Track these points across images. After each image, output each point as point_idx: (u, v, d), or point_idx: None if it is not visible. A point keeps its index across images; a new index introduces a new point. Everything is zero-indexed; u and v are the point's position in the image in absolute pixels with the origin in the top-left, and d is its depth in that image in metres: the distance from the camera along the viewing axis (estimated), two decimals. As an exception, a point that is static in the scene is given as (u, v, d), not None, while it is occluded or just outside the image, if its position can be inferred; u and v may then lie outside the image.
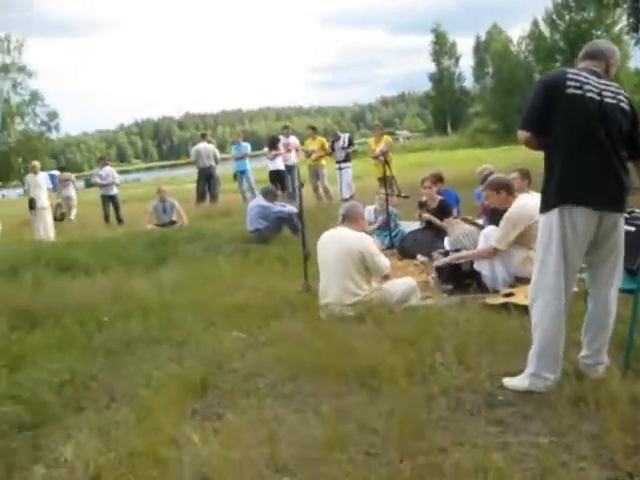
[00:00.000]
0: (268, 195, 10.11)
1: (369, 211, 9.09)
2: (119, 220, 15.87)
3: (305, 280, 6.31)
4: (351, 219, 5.69)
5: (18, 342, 5.55)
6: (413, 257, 7.67)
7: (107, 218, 15.99)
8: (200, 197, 16.23)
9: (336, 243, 5.52)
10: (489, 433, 3.26)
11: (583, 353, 3.81)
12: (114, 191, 16.09)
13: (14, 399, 4.26)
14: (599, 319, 3.74)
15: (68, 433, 3.71)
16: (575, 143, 3.53)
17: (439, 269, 6.23)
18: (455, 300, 5.60)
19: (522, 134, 3.66)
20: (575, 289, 4.60)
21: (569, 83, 3.54)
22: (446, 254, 6.34)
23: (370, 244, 5.55)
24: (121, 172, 19.46)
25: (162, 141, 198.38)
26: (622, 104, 3.61)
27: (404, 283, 5.72)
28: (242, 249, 9.15)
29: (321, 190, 15.24)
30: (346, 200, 11.43)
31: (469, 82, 72.57)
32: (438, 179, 8.53)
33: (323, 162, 15.21)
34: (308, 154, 15.05)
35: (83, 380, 4.57)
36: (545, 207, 3.65)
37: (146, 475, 3.09)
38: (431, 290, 6.24)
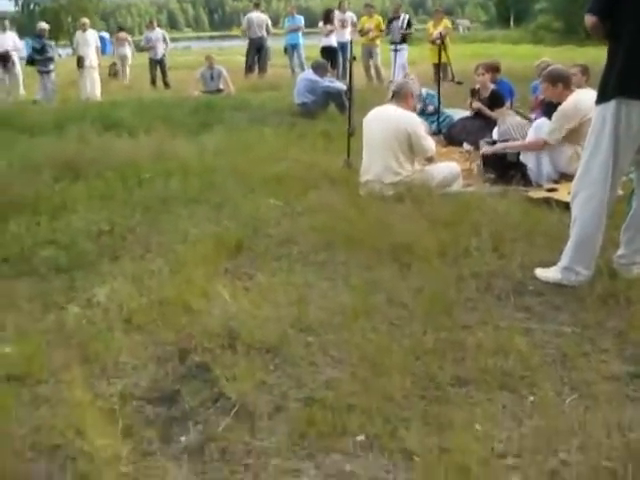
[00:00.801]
0: (318, 69, 9.86)
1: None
2: (166, 85, 15.76)
3: (348, 156, 6.24)
4: (401, 96, 5.53)
5: (60, 192, 5.66)
6: (460, 145, 7.50)
7: (154, 82, 15.88)
8: (249, 68, 15.92)
9: (383, 120, 5.41)
10: (515, 318, 3.27)
11: (620, 252, 3.74)
12: (161, 55, 15.89)
13: (53, 244, 4.40)
14: (640, 219, 3.65)
15: (103, 278, 3.82)
16: None
17: (485, 157, 6.11)
18: (497, 190, 5.52)
19: (589, 18, 3.45)
20: (620, 192, 4.50)
21: None
22: (494, 144, 6.19)
23: (418, 124, 5.43)
24: (171, 39, 19.20)
25: (214, 10, 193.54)
26: None
27: (447, 167, 5.63)
28: (287, 122, 9.07)
29: (373, 70, 14.82)
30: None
31: (538, -25, 68.64)
32: (493, 68, 8.19)
33: (377, 42, 14.74)
34: (364, 32, 14.55)
35: (121, 232, 4.66)
36: (601, 98, 3.49)
37: (176, 322, 3.19)
38: (474, 179, 6.13)
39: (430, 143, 5.54)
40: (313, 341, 3.04)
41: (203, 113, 10.01)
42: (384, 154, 5.30)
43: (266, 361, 2.87)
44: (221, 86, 12.83)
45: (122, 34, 18.97)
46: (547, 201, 5.02)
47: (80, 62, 14.06)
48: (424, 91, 8.82)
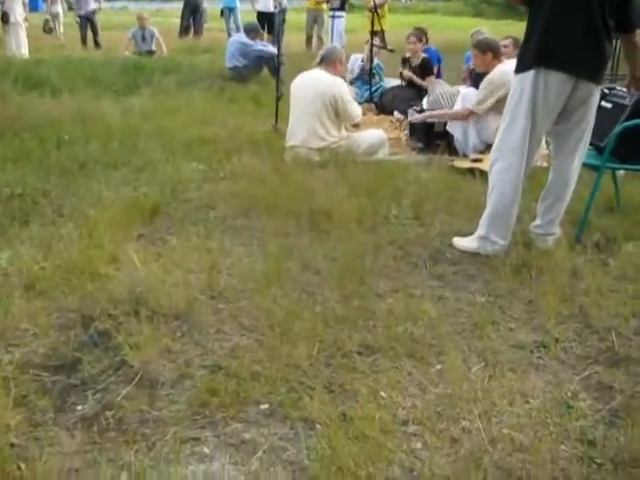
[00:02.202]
0: (250, 32, 9.67)
1: (355, 59, 8.87)
2: (97, 44, 15.21)
3: (276, 121, 6.14)
4: (329, 62, 5.44)
5: (-29, 151, 5.38)
6: (391, 113, 7.49)
7: (84, 41, 15.28)
8: (184, 30, 15.53)
9: (309, 85, 5.32)
10: (428, 286, 3.27)
11: (536, 222, 3.79)
12: (92, 13, 15.32)
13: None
14: (557, 189, 3.67)
15: (9, 243, 3.64)
16: (562, 3, 3.32)
17: (412, 126, 6.10)
18: (423, 158, 5.52)
19: None
20: (545, 164, 4.54)
21: None
22: (421, 112, 6.18)
23: (345, 90, 5.35)
24: (108, -1, 18.70)
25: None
26: None
27: (374, 135, 5.59)
28: (218, 85, 8.90)
29: (315, 39, 14.58)
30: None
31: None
32: (423, 36, 8.17)
33: (324, 7, 14.48)
34: None
35: (34, 195, 4.44)
36: (520, 68, 3.49)
37: (81, 288, 3.07)
38: (401, 147, 6.13)
39: (356, 108, 5.47)
40: (223, 308, 2.97)
41: (131, 74, 9.70)
42: (310, 119, 5.23)
43: (172, 328, 2.79)
44: (153, 47, 12.53)
45: None
46: (471, 171, 5.04)
47: (4, 17, 13.38)
48: (376, 61, 8.75)
